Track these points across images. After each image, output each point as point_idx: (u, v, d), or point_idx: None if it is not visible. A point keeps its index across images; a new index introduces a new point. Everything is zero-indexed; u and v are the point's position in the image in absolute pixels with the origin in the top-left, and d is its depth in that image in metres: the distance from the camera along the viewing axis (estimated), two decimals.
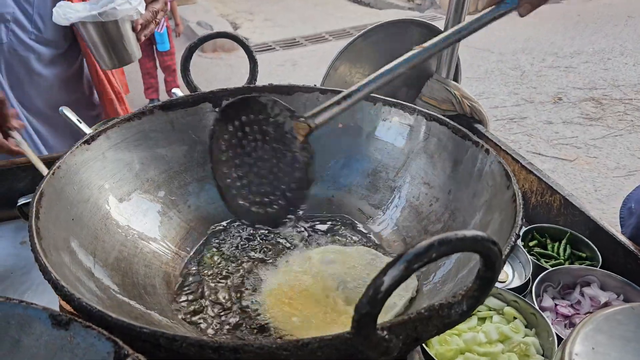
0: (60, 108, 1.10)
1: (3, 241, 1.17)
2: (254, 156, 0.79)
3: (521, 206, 0.60)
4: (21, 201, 1.12)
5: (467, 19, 0.86)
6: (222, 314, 0.70)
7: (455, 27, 0.76)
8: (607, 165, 3.54)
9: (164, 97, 4.75)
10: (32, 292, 1.05)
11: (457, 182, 0.77)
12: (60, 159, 0.69)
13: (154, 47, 4.40)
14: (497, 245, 0.41)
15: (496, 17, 0.78)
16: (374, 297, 0.38)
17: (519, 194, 0.63)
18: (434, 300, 0.60)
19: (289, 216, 0.79)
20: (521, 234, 1.17)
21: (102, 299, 0.60)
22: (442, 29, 1.29)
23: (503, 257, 0.54)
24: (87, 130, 1.13)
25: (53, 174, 0.66)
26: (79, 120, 1.12)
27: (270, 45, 6.02)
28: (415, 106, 0.85)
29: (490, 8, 0.79)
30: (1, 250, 1.15)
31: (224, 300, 0.72)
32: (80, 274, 0.60)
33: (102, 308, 0.47)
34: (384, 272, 0.38)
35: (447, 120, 0.81)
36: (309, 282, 0.74)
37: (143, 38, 1.23)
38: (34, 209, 0.59)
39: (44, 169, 0.99)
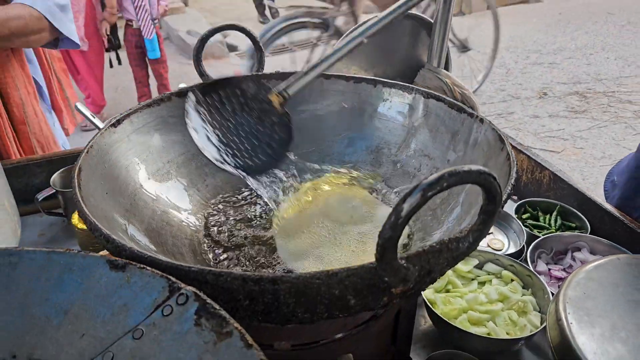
0: (75, 104, 1.16)
1: (23, 234, 1.23)
2: (234, 123, 0.88)
3: (514, 162, 0.67)
4: (40, 196, 1.18)
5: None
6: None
7: None
8: (593, 155, 3.64)
9: None
10: None
11: (455, 151, 0.84)
12: (92, 139, 0.75)
13: (146, 56, 4.46)
14: (497, 181, 0.48)
15: None
16: (395, 223, 0.44)
17: (512, 153, 0.70)
18: None
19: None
20: (514, 207, 1.24)
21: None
22: (432, 20, 1.37)
23: (503, 195, 0.61)
24: (100, 124, 1.19)
25: (87, 152, 0.72)
26: (92, 115, 1.18)
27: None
28: (412, 86, 0.92)
29: None
30: (23, 242, 1.20)
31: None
32: (122, 236, 0.66)
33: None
34: (403, 199, 0.44)
35: (443, 96, 0.88)
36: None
37: None
38: (75, 181, 0.65)
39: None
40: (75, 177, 0.66)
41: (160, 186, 0.84)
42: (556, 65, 5.39)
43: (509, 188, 0.62)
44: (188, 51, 5.73)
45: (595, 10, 7.31)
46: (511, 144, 1.39)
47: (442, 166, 0.86)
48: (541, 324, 0.89)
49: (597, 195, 1.19)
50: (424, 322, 0.98)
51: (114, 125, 0.80)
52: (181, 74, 5.30)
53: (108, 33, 4.39)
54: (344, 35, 1.23)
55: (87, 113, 1.16)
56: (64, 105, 1.54)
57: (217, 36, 6.21)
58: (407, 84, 0.93)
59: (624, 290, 0.76)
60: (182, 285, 0.49)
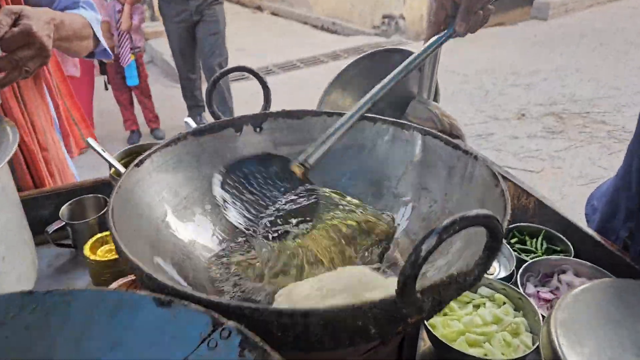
0: (87, 139, 1.21)
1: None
2: (261, 196, 0.96)
3: (509, 200, 0.75)
4: (50, 229, 1.22)
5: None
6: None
7: (409, 60, 1.01)
8: (571, 175, 3.78)
9: (144, 128, 4.83)
10: None
11: (452, 185, 0.92)
12: (120, 180, 0.81)
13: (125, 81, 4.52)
14: (500, 222, 0.55)
15: (441, 43, 1.04)
16: (415, 262, 0.51)
17: (506, 189, 0.77)
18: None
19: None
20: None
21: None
22: None
23: (503, 232, 0.68)
24: (110, 159, 1.24)
25: (117, 192, 0.78)
26: (103, 150, 1.23)
27: (244, 75, 6.18)
28: (410, 123, 1.00)
29: (435, 37, 1.05)
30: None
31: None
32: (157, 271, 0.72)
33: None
34: (422, 241, 0.51)
35: (440, 134, 0.96)
36: None
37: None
38: (111, 220, 0.70)
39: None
40: (110, 216, 0.71)
41: (177, 222, 0.90)
42: (533, 87, 5.58)
43: (505, 223, 0.70)
44: (172, 74, 5.79)
45: (568, 32, 7.59)
46: (498, 172, 1.48)
47: (440, 199, 0.93)
48: (533, 344, 0.96)
49: (578, 216, 1.28)
50: (423, 344, 1.04)
51: (137, 165, 0.86)
52: (166, 97, 5.35)
53: None
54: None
55: (99, 149, 1.22)
56: (71, 129, 1.59)
57: None
58: (405, 122, 1.01)
59: (607, 311, 0.84)
60: (224, 320, 0.55)
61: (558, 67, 6.18)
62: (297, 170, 0.92)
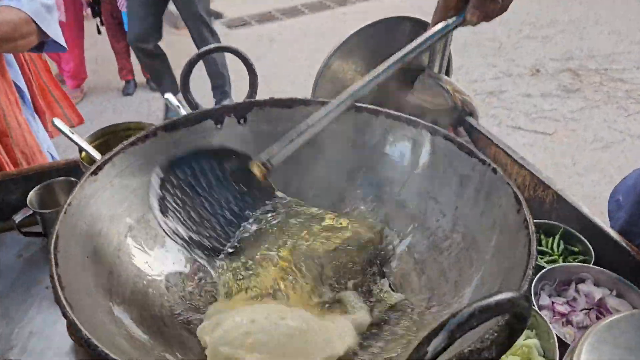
0: (52, 119, 1.08)
1: (1, 254, 1.16)
2: (209, 200, 0.80)
3: (534, 234, 0.62)
4: (17, 218, 1.11)
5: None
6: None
7: (411, 45, 0.88)
8: (585, 138, 3.61)
9: (139, 76, 4.64)
10: (36, 307, 1.05)
11: (464, 199, 0.79)
12: (71, 194, 0.68)
13: (123, 27, 4.27)
14: (530, 301, 0.43)
15: (448, 32, 0.88)
16: None
17: (531, 219, 0.64)
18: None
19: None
20: None
21: (127, 339, 0.61)
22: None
23: (525, 282, 0.56)
24: (80, 142, 1.11)
25: (65, 212, 0.65)
26: (71, 132, 1.10)
27: (246, 20, 5.91)
28: (419, 120, 0.86)
29: (441, 24, 0.88)
30: (1, 264, 1.14)
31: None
32: (103, 318, 0.60)
33: None
34: (427, 341, 0.39)
35: (452, 135, 0.82)
36: None
37: None
38: (52, 257, 0.58)
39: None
40: (53, 251, 0.59)
41: (145, 236, 0.78)
42: (549, 40, 5.30)
43: (530, 272, 0.57)
44: (172, 20, 5.52)
45: None
46: (514, 158, 1.34)
47: (449, 213, 0.81)
48: None
49: (590, 185, 1.15)
50: None
51: (95, 172, 0.73)
52: (165, 44, 5.12)
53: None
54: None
55: (65, 130, 1.08)
56: (50, 107, 1.44)
57: None
58: (412, 118, 0.87)
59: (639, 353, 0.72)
60: None
61: (576, 18, 5.85)
62: (257, 170, 0.78)
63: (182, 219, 0.72)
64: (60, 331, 0.95)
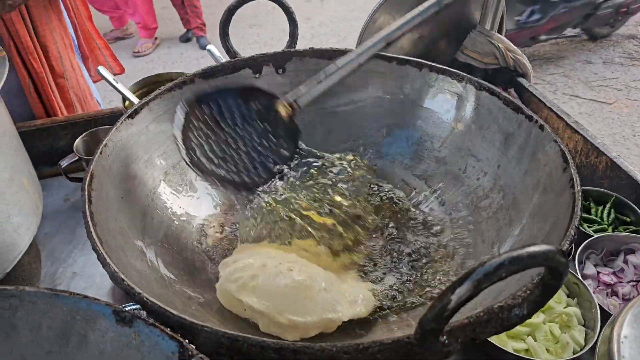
0: (98, 67, 1.09)
1: (49, 198, 1.20)
2: (234, 135, 0.77)
3: (579, 194, 0.58)
4: (64, 163, 1.14)
5: None
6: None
7: None
8: None
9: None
10: (79, 249, 1.08)
11: (507, 157, 0.75)
12: (107, 136, 0.69)
13: None
14: (566, 257, 0.40)
15: None
16: (440, 315, 0.37)
17: (577, 179, 0.60)
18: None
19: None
20: None
21: (157, 282, 0.62)
22: None
23: (565, 242, 0.53)
24: (123, 90, 1.12)
25: (100, 152, 0.66)
26: (115, 80, 1.11)
27: None
28: (464, 74, 0.81)
29: None
30: (49, 207, 1.18)
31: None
32: (133, 258, 0.61)
33: (162, 303, 0.47)
34: (452, 290, 0.37)
35: (499, 90, 0.77)
36: None
37: None
38: (86, 193, 0.59)
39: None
40: (86, 188, 0.60)
41: (180, 182, 0.78)
42: None
43: (572, 232, 0.54)
44: None
45: None
46: (566, 122, 1.27)
47: (490, 171, 0.77)
48: (586, 342, 0.82)
49: None
50: None
51: (131, 116, 0.73)
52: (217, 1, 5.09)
53: None
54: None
55: (110, 77, 1.09)
56: (93, 53, 1.46)
57: None
58: (458, 72, 0.82)
59: None
60: (194, 352, 0.44)
61: None
62: (284, 110, 0.75)
63: (205, 152, 0.71)
64: (101, 272, 0.98)
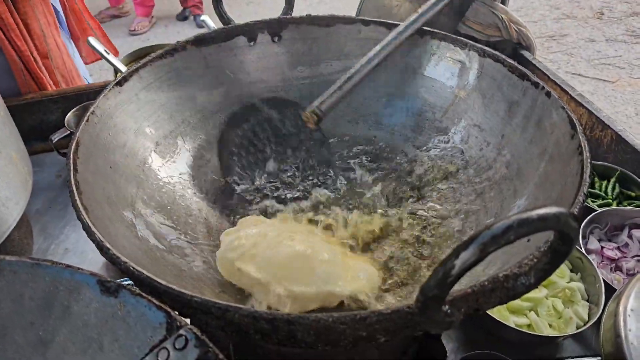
0: (88, 38, 1.06)
1: (41, 174, 1.18)
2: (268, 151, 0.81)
3: (588, 160, 0.56)
4: (55, 138, 1.11)
5: None
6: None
7: None
8: None
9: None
10: (72, 225, 1.06)
11: (512, 126, 0.72)
12: (94, 103, 0.66)
13: None
14: (578, 221, 0.37)
15: None
16: (443, 281, 0.35)
17: (586, 145, 0.58)
18: None
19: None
20: None
21: (146, 253, 0.59)
22: None
23: (575, 207, 0.50)
24: (114, 61, 1.09)
25: (87, 120, 0.63)
26: (106, 52, 1.07)
27: None
28: (467, 40, 0.78)
29: None
30: (41, 182, 1.15)
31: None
32: (122, 229, 0.59)
33: (149, 273, 0.45)
34: (455, 254, 0.34)
35: (503, 57, 0.74)
36: None
37: None
38: (71, 161, 0.56)
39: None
40: (71, 156, 0.57)
41: (172, 153, 0.76)
42: None
43: (581, 198, 0.51)
44: None
45: None
46: (571, 94, 1.24)
47: (494, 141, 0.74)
48: (589, 317, 0.81)
49: None
50: None
51: (119, 84, 0.70)
52: None
53: None
54: None
55: (100, 49, 1.06)
56: (84, 32, 1.42)
57: None
58: (461, 38, 0.79)
59: None
60: (182, 322, 0.41)
61: None
62: (310, 118, 0.73)
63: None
64: (93, 248, 0.96)
